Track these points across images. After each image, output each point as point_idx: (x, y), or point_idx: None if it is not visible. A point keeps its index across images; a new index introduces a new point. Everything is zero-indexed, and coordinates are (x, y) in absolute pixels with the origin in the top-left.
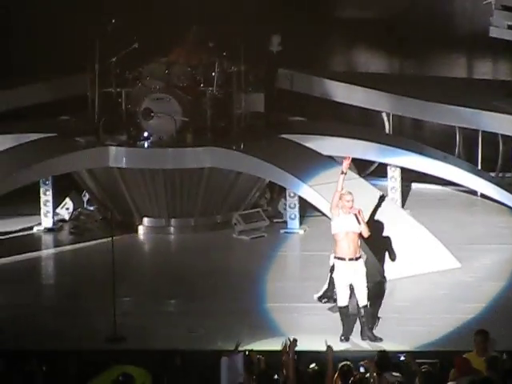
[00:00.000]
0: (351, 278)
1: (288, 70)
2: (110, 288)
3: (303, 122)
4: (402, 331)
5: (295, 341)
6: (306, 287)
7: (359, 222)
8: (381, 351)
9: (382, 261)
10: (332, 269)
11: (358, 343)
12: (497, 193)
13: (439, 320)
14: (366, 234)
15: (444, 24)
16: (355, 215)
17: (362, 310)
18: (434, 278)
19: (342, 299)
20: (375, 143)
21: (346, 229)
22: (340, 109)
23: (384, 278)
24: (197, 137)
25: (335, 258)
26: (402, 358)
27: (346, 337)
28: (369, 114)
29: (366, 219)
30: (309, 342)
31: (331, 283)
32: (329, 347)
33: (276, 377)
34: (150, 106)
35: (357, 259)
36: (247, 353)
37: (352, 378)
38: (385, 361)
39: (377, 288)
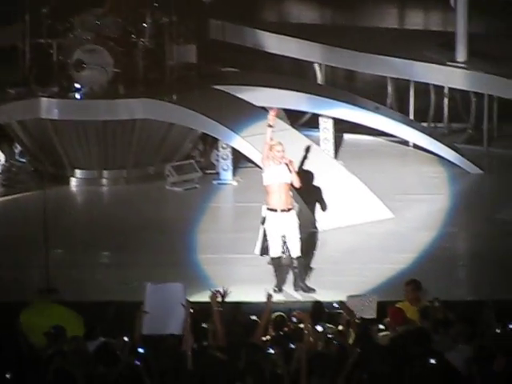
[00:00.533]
0: (283, 229)
1: (220, 21)
2: (42, 240)
3: (236, 72)
4: (335, 282)
5: (221, 292)
6: (239, 238)
7: (290, 172)
8: (315, 302)
9: (314, 212)
10: (263, 220)
11: (291, 294)
12: (429, 143)
13: (372, 270)
14: (297, 183)
15: None
16: (286, 165)
17: (295, 261)
18: (366, 228)
19: (275, 250)
20: (307, 94)
21: (278, 180)
22: (272, 60)
23: (316, 228)
24: (129, 88)
25: (267, 209)
26: (336, 306)
27: (279, 288)
28: (301, 64)
29: (298, 170)
30: (242, 293)
31: (264, 235)
32: (269, 295)
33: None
34: (82, 58)
35: (289, 210)
36: None
37: (286, 329)
38: (319, 312)
39: (309, 239)
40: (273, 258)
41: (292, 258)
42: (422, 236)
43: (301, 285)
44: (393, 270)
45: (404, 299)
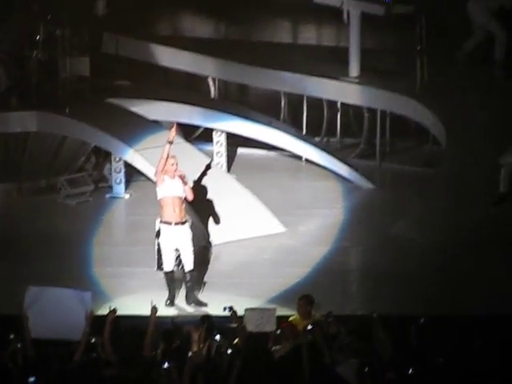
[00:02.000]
0: (177, 242)
1: (114, 34)
2: None
3: (129, 86)
4: (227, 296)
5: (114, 311)
6: (132, 252)
7: (184, 186)
8: (205, 316)
9: (207, 225)
10: (158, 234)
11: (183, 308)
12: (322, 157)
13: (264, 284)
14: (190, 197)
15: None
16: (180, 178)
17: (188, 275)
18: (259, 242)
19: (168, 264)
20: (200, 107)
21: (172, 193)
22: (166, 73)
23: (209, 242)
24: (22, 101)
25: (161, 222)
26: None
27: (171, 301)
28: (195, 78)
29: (192, 184)
30: (135, 307)
31: (158, 249)
32: (153, 308)
33: (93, 340)
34: None
35: (182, 223)
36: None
37: (177, 342)
38: (210, 325)
39: (202, 252)
40: (166, 272)
41: (185, 272)
42: (314, 250)
43: (193, 299)
44: (286, 284)
45: (296, 313)
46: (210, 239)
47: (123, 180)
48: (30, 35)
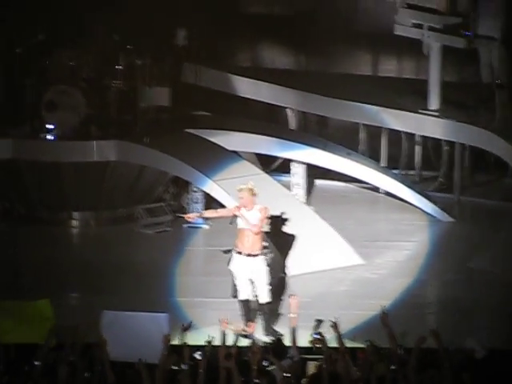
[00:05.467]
0: (248, 273)
1: (194, 65)
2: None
3: (208, 116)
4: (305, 327)
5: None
6: (210, 282)
7: (260, 218)
8: (277, 339)
9: (285, 257)
10: (229, 261)
11: (259, 339)
12: (400, 190)
13: (341, 316)
14: (254, 229)
15: (349, 22)
16: (259, 211)
17: (264, 307)
18: (336, 274)
19: (242, 293)
20: (279, 139)
21: (244, 225)
22: (245, 104)
23: (285, 274)
24: (101, 130)
25: (234, 250)
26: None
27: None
28: (274, 109)
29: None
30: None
31: (232, 277)
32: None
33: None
34: (53, 98)
35: (255, 256)
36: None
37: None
38: (280, 348)
39: (279, 284)
40: (240, 301)
41: (260, 304)
42: (391, 283)
43: (270, 330)
44: (362, 316)
45: None
46: (288, 271)
47: (202, 210)
48: (111, 64)
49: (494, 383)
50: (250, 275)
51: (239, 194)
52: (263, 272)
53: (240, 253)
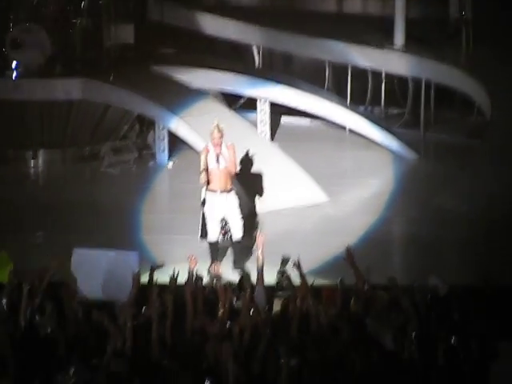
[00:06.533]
0: (224, 210)
1: (158, 1)
2: None
3: (173, 54)
4: (271, 264)
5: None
6: (175, 219)
7: (230, 156)
8: (244, 274)
9: (250, 195)
10: (203, 202)
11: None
12: (366, 127)
13: (307, 253)
14: (232, 169)
15: None
16: (228, 148)
17: (236, 244)
18: (301, 211)
19: (213, 234)
20: (245, 76)
21: (218, 164)
22: (211, 42)
23: (253, 211)
24: (66, 68)
25: (206, 190)
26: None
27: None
28: (239, 47)
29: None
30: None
31: (203, 218)
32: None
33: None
34: (18, 37)
35: (229, 191)
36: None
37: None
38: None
39: (247, 221)
40: (210, 243)
41: (232, 241)
42: (357, 220)
43: (240, 266)
44: (327, 253)
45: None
46: (254, 208)
47: (167, 148)
48: (75, 2)
49: (457, 319)
50: (223, 213)
51: (212, 134)
52: (237, 207)
53: (215, 191)
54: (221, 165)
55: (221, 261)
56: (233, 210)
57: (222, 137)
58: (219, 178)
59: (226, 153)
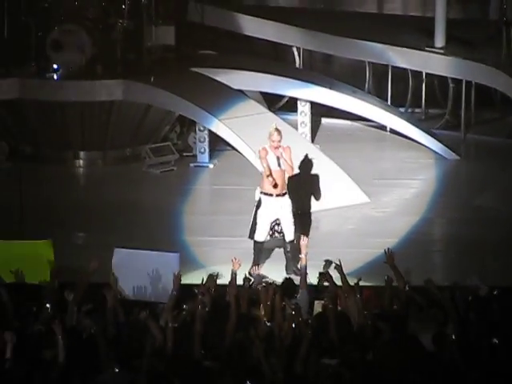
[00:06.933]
0: (277, 213)
1: (199, 3)
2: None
3: (214, 55)
4: (313, 266)
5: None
6: (215, 221)
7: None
8: (286, 278)
9: (292, 196)
10: (259, 204)
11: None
12: (406, 128)
13: (348, 254)
14: (289, 172)
15: None
16: (284, 150)
17: (288, 245)
18: (342, 212)
19: (262, 234)
20: (285, 77)
21: (275, 166)
22: (251, 43)
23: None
24: (107, 69)
25: (261, 193)
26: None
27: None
28: (279, 48)
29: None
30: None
31: (255, 219)
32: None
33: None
34: (59, 38)
35: (283, 195)
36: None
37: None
38: (290, 288)
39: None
40: (256, 242)
41: (285, 242)
42: (398, 221)
43: (293, 268)
44: (368, 254)
45: (381, 284)
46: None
47: (207, 149)
48: (116, 3)
49: (498, 321)
50: (277, 216)
51: (273, 137)
52: (290, 210)
53: (271, 195)
54: (281, 167)
55: (263, 263)
56: (287, 213)
57: (281, 140)
58: (278, 181)
59: (284, 155)
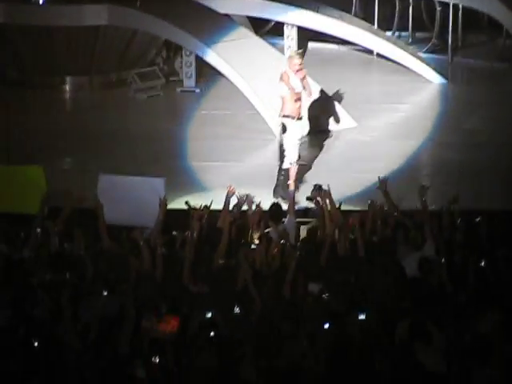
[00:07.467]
0: (300, 134)
1: None
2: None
3: None
4: (299, 193)
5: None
6: (206, 146)
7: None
8: (273, 204)
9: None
10: (284, 129)
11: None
12: (393, 52)
13: (334, 178)
14: (310, 93)
15: None
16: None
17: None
18: (329, 137)
19: (294, 157)
20: (271, 1)
21: (298, 89)
22: None
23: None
24: None
25: (284, 117)
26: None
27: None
28: None
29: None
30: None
31: (282, 145)
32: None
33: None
34: None
35: (301, 118)
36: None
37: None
38: (277, 213)
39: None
40: (285, 169)
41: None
42: (385, 145)
43: (281, 193)
44: (356, 178)
45: (367, 208)
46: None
47: (194, 74)
48: None
49: (485, 243)
50: (300, 136)
51: (295, 60)
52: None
53: (294, 117)
54: (306, 90)
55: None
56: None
57: (302, 62)
58: (300, 103)
59: (301, 79)
